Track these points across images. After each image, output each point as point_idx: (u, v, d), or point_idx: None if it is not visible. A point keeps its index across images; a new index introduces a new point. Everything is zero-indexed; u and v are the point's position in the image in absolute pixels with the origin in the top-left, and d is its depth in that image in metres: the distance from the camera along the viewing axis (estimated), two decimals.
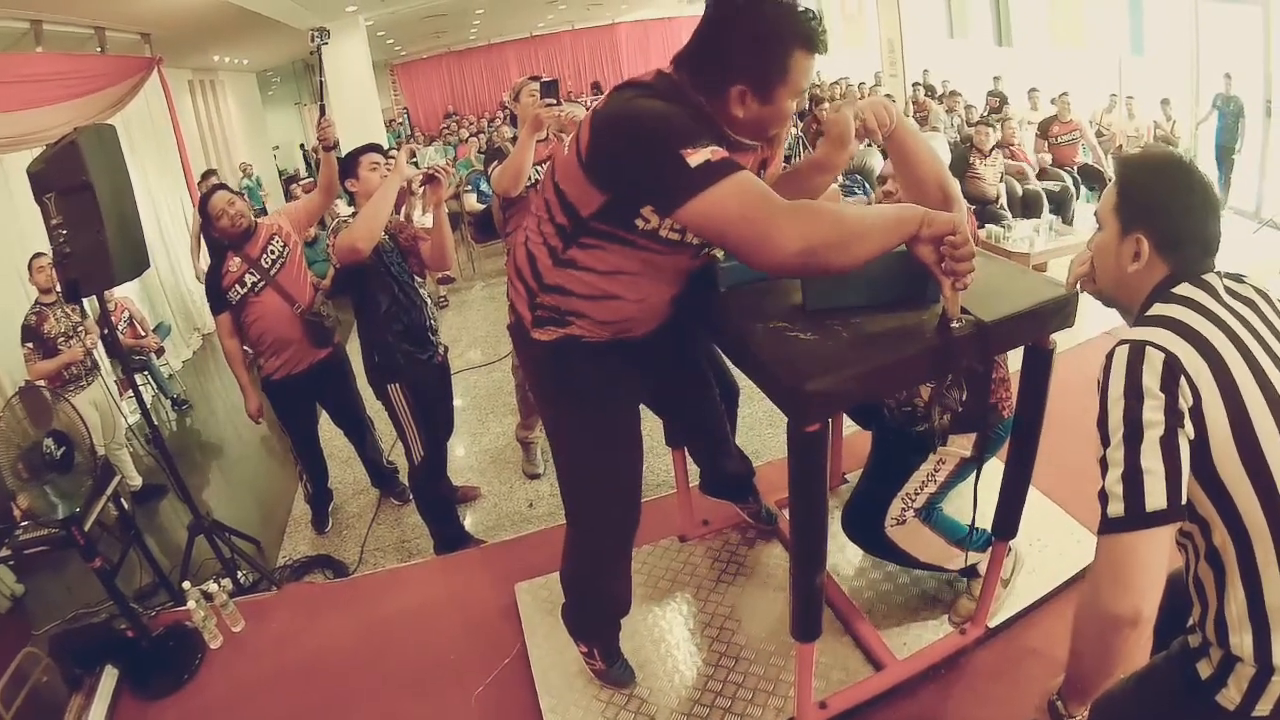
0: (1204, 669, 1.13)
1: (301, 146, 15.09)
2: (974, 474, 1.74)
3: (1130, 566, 1.04)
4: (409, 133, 15.24)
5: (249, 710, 2.27)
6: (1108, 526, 1.05)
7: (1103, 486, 1.07)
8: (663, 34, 18.22)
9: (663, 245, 1.42)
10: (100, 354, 4.01)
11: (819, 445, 1.37)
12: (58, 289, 3.58)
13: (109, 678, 2.34)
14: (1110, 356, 1.10)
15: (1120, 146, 6.57)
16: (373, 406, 3.17)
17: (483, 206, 5.06)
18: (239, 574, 2.98)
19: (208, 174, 6.30)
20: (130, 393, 4.36)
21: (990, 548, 1.95)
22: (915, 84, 9.85)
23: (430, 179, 2.68)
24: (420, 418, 2.80)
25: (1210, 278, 1.15)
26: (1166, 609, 1.10)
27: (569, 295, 1.51)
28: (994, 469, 1.85)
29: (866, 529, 2.02)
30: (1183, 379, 1.04)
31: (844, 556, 2.36)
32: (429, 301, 2.90)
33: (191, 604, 2.48)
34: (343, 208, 3.75)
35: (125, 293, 5.00)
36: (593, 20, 17.47)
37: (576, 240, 1.45)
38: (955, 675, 2.00)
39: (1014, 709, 1.85)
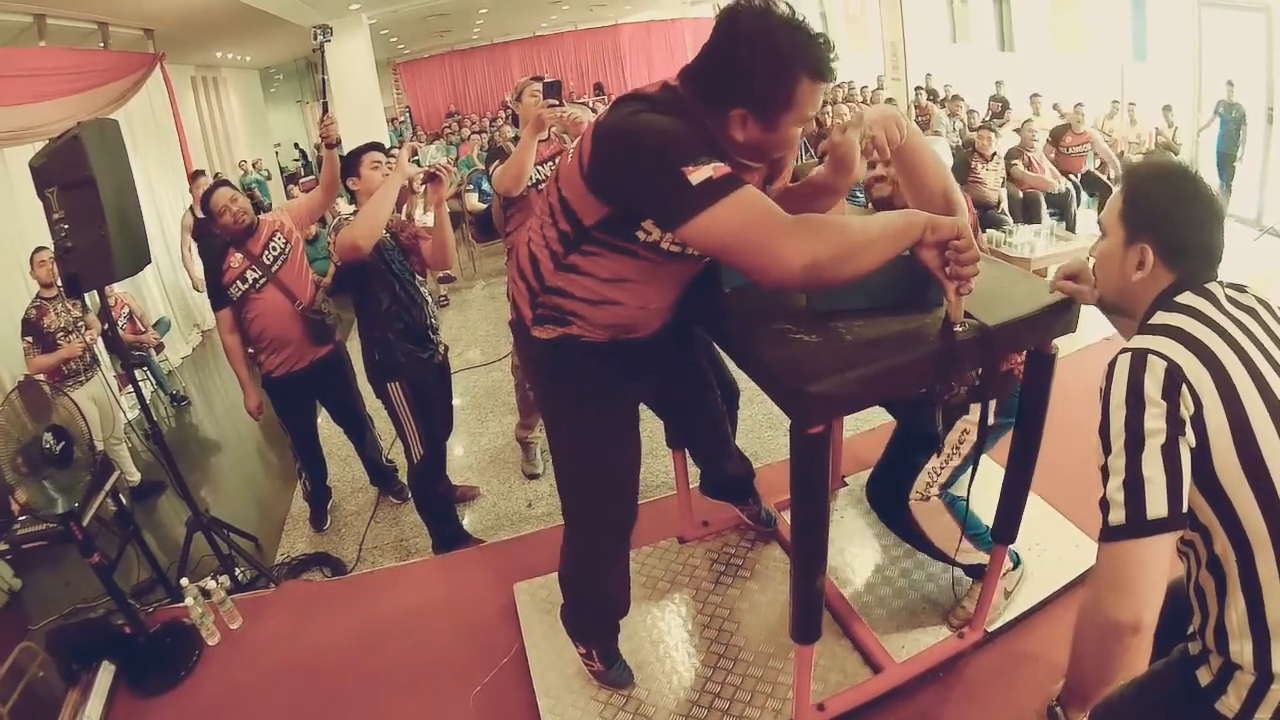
0: (1204, 676, 1.13)
1: (297, 145, 15.11)
2: (988, 444, 1.73)
3: (1131, 574, 1.04)
4: (411, 131, 15.25)
5: (246, 707, 2.27)
6: (1109, 534, 1.06)
7: (1104, 494, 1.07)
8: (665, 35, 18.26)
9: (665, 256, 1.41)
10: (100, 349, 4.01)
11: (821, 447, 1.37)
12: (59, 283, 3.57)
13: (106, 674, 2.34)
14: (1112, 365, 1.10)
15: (1122, 153, 6.57)
16: (372, 405, 3.17)
17: (484, 206, 5.07)
18: (237, 571, 2.98)
19: (197, 174, 6.26)
20: (129, 388, 4.37)
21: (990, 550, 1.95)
22: (918, 88, 9.85)
23: (431, 177, 2.68)
24: (420, 416, 2.79)
25: (1212, 287, 1.15)
26: (1168, 616, 1.10)
27: (570, 298, 1.51)
28: (994, 473, 1.85)
29: (889, 500, 2.01)
30: (1184, 387, 1.04)
31: (843, 559, 2.36)
32: (430, 300, 2.90)
33: (189, 601, 2.48)
34: (344, 206, 3.76)
35: (125, 288, 5.00)
36: (596, 21, 17.48)
37: (579, 247, 1.44)
38: (954, 679, 2.00)
39: (1012, 714, 1.85)
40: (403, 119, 16.17)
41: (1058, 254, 4.92)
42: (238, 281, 2.97)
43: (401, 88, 17.40)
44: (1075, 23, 8.54)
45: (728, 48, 1.27)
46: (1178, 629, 1.21)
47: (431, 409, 2.87)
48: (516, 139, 3.11)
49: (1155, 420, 1.04)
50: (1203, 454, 1.05)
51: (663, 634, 2.21)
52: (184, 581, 2.56)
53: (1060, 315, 1.46)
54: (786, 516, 2.12)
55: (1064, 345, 1.59)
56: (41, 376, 3.36)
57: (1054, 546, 2.30)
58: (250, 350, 3.19)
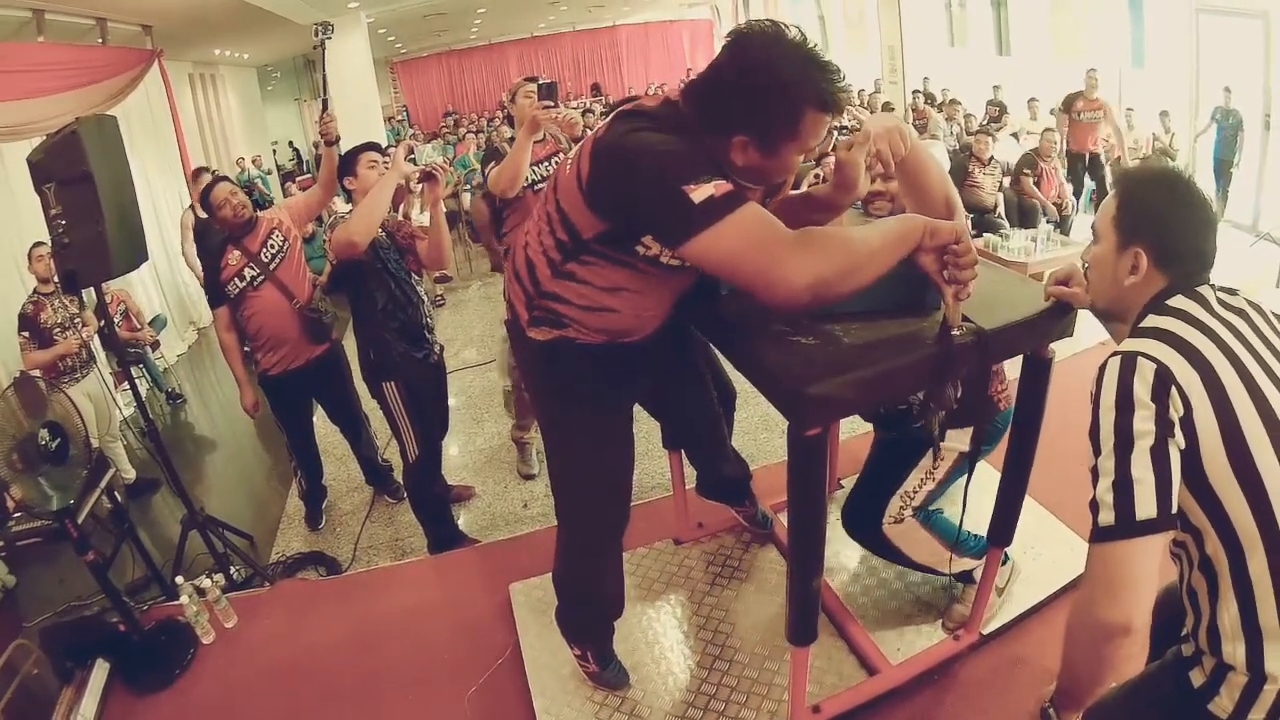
0: (1197, 678, 1.13)
1: (291, 144, 15.08)
2: (967, 473, 1.74)
3: (1121, 575, 1.05)
4: (409, 129, 15.24)
5: (240, 706, 2.27)
6: (1099, 535, 1.06)
7: (1094, 496, 1.08)
8: (663, 37, 18.30)
9: (664, 269, 1.41)
10: (96, 346, 4.00)
11: (819, 450, 1.37)
12: (56, 279, 3.57)
13: (100, 671, 2.33)
14: (1103, 368, 1.11)
15: (1119, 158, 6.58)
16: (368, 404, 3.17)
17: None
18: (232, 569, 2.97)
19: (199, 172, 6.24)
20: (125, 385, 4.37)
21: (984, 554, 1.96)
22: (915, 91, 9.88)
23: (428, 177, 2.68)
24: (415, 416, 2.79)
25: (1203, 290, 1.16)
26: (1164, 620, 1.10)
27: (566, 303, 1.51)
28: (990, 476, 1.86)
29: (865, 526, 2.01)
30: (1174, 389, 1.05)
31: (839, 561, 2.36)
32: (425, 300, 2.90)
33: (184, 599, 2.47)
34: (340, 205, 3.75)
35: (121, 285, 4.99)
36: (594, 22, 17.50)
37: (576, 256, 1.44)
38: (949, 681, 2.00)
39: (1007, 716, 1.86)
40: (400, 118, 16.16)
41: (1054, 258, 4.93)
42: (235, 279, 2.96)
43: (399, 87, 17.39)
44: (1073, 29, 8.57)
45: (734, 76, 1.24)
46: (1174, 632, 1.21)
47: (427, 409, 2.87)
48: (513, 139, 3.12)
49: (1144, 422, 1.04)
50: (1193, 455, 1.05)
51: (658, 635, 2.21)
52: (179, 580, 2.56)
53: (1057, 319, 1.47)
54: (783, 518, 2.12)
55: (1059, 349, 1.60)
56: (37, 372, 3.36)
57: (1049, 549, 2.31)
58: (247, 349, 3.18)
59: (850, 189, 1.48)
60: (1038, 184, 6.18)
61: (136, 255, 2.68)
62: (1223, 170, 6.66)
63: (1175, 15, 6.99)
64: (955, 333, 1.34)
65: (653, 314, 1.56)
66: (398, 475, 3.48)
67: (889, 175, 1.62)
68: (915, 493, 1.94)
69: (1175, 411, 1.05)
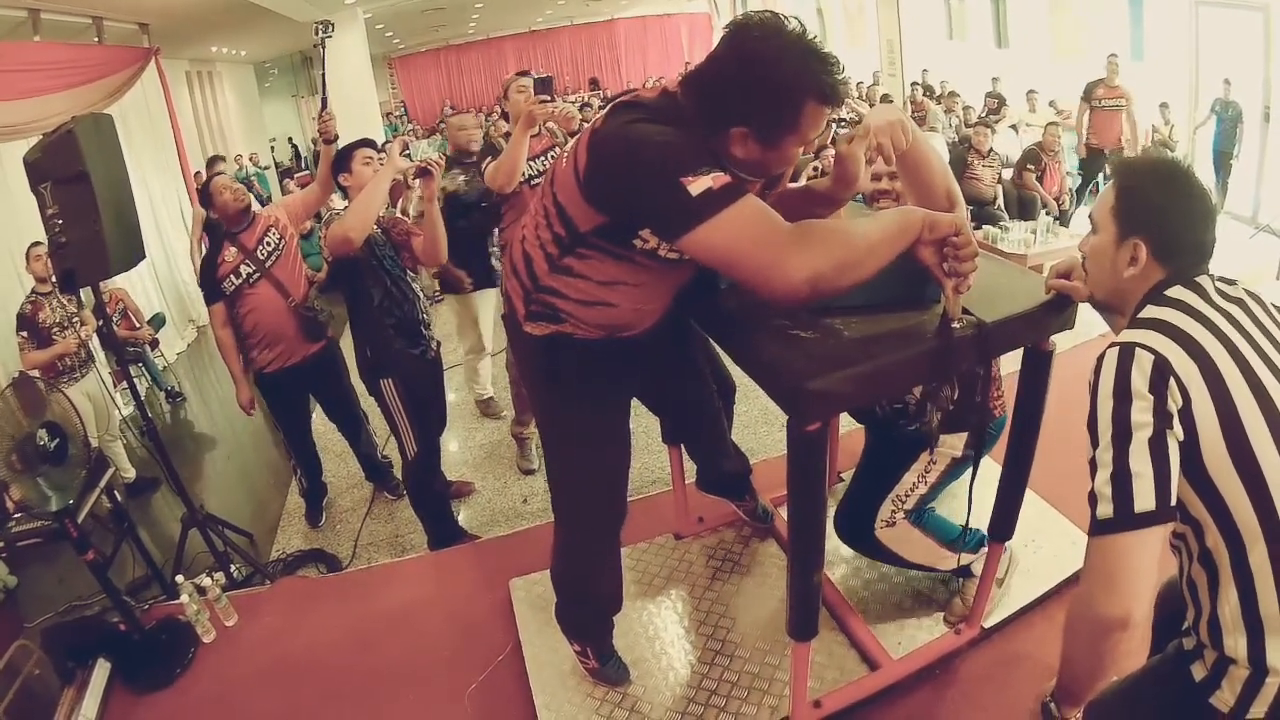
0: (1198, 671, 1.13)
1: (291, 140, 15.06)
2: (968, 473, 1.73)
3: (1120, 569, 1.04)
4: (408, 125, 15.22)
5: (241, 704, 2.26)
6: (1098, 528, 1.06)
7: (1092, 488, 1.07)
8: (661, 30, 18.27)
9: (662, 262, 1.40)
10: (95, 345, 4.00)
11: (819, 444, 1.37)
12: (53, 279, 3.56)
13: (101, 671, 2.33)
14: (1101, 359, 1.10)
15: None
16: (366, 401, 3.16)
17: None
18: (232, 568, 2.97)
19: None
20: (124, 384, 4.36)
21: (985, 548, 1.95)
22: (914, 84, 9.85)
23: (423, 172, 2.67)
24: (413, 413, 2.79)
25: (1202, 280, 1.15)
26: (1166, 613, 1.10)
27: (563, 298, 1.50)
28: (990, 470, 1.85)
29: (857, 531, 2.01)
30: (1172, 380, 1.04)
31: (839, 555, 2.35)
32: (421, 296, 2.89)
33: (184, 598, 2.47)
34: (337, 203, 3.75)
35: (120, 283, 4.98)
36: (591, 16, 17.48)
37: (574, 250, 1.42)
38: (950, 676, 2.00)
39: (1008, 710, 1.86)
40: (399, 113, 16.13)
41: (1053, 250, 4.92)
42: (231, 276, 2.96)
43: (396, 83, 17.36)
44: (1073, 21, 8.55)
45: (733, 68, 1.22)
46: (1175, 626, 1.21)
47: (425, 405, 2.86)
48: (509, 135, 3.11)
49: (1142, 413, 1.04)
50: (1191, 447, 1.05)
51: (658, 631, 2.21)
52: (179, 578, 2.55)
53: (1058, 312, 1.45)
54: (783, 512, 2.12)
55: (1060, 342, 1.59)
56: (36, 372, 3.36)
57: (1050, 543, 2.31)
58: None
59: (850, 183, 1.47)
60: (1040, 179, 6.15)
61: (134, 254, 2.67)
62: (1222, 162, 6.64)
63: (1175, 7, 6.97)
64: (955, 326, 1.33)
65: (651, 308, 1.55)
66: (397, 472, 3.47)
67: (894, 174, 1.61)
68: (907, 496, 1.94)
69: (1174, 403, 1.04)
